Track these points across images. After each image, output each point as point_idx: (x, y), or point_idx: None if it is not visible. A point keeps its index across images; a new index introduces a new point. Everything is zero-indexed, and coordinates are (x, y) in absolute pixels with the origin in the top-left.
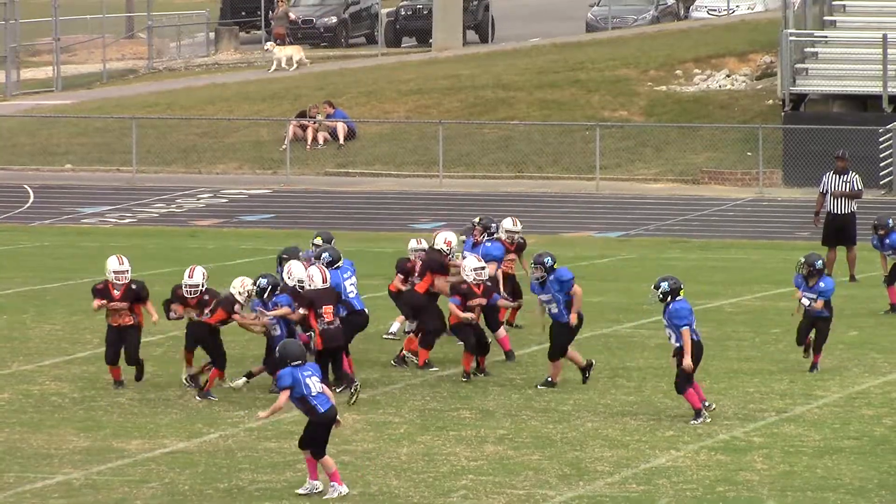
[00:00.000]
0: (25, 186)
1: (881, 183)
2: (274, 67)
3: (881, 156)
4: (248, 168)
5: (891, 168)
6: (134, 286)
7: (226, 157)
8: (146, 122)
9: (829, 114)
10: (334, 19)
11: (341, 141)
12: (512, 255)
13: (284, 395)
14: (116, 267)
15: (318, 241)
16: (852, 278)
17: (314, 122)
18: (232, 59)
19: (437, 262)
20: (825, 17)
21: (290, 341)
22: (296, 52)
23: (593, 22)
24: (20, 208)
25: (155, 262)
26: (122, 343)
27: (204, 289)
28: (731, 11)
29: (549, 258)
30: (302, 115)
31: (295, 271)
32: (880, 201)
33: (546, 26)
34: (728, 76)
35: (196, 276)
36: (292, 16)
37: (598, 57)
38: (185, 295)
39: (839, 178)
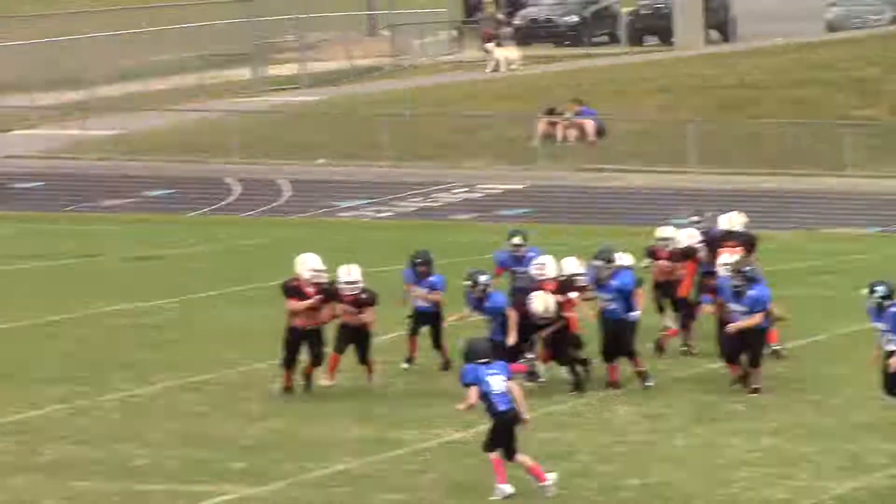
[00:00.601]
0: (280, 180)
1: None
2: (491, 68)
3: None
4: (501, 164)
5: None
6: (365, 295)
7: (478, 153)
8: (398, 118)
9: None
10: (576, 18)
11: (591, 138)
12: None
13: (473, 391)
14: (317, 265)
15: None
16: None
17: (564, 119)
18: (477, 56)
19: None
20: None
21: (478, 339)
22: (513, 52)
23: (834, 21)
24: (277, 202)
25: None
26: (351, 342)
27: (361, 287)
28: None
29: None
30: (550, 111)
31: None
32: None
33: (784, 26)
34: None
35: (354, 273)
36: (500, 16)
37: (840, 56)
38: (345, 293)
39: None
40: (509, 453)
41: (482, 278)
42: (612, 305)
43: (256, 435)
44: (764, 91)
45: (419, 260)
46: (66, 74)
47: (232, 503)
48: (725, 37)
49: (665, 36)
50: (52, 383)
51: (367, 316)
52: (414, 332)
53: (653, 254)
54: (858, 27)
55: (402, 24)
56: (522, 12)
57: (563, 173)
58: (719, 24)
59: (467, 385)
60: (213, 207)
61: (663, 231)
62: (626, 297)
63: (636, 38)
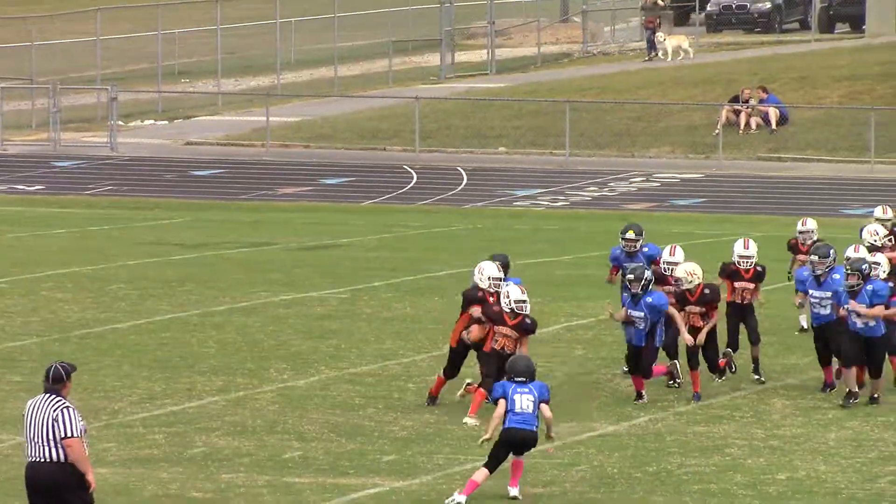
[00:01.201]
0: (459, 169)
1: None
2: (661, 56)
3: None
4: (681, 152)
5: None
6: (528, 321)
7: (658, 142)
8: (580, 106)
9: None
10: (768, 5)
11: (773, 126)
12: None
13: (501, 404)
14: (495, 273)
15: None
16: None
17: (747, 107)
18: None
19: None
20: None
21: (521, 356)
22: (683, 41)
23: None
24: (454, 190)
25: (587, 245)
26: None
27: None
28: None
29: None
30: (734, 99)
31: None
32: None
33: None
34: None
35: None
36: (661, 2)
37: None
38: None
39: None
40: (490, 466)
41: (647, 273)
42: (825, 308)
43: (410, 427)
44: None
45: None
46: (252, 60)
47: (380, 496)
48: None
49: (856, 23)
50: (213, 374)
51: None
52: None
53: (794, 248)
54: None
55: (595, 9)
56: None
57: (743, 162)
58: None
59: (495, 400)
60: (390, 196)
61: (805, 224)
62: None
63: (827, 26)
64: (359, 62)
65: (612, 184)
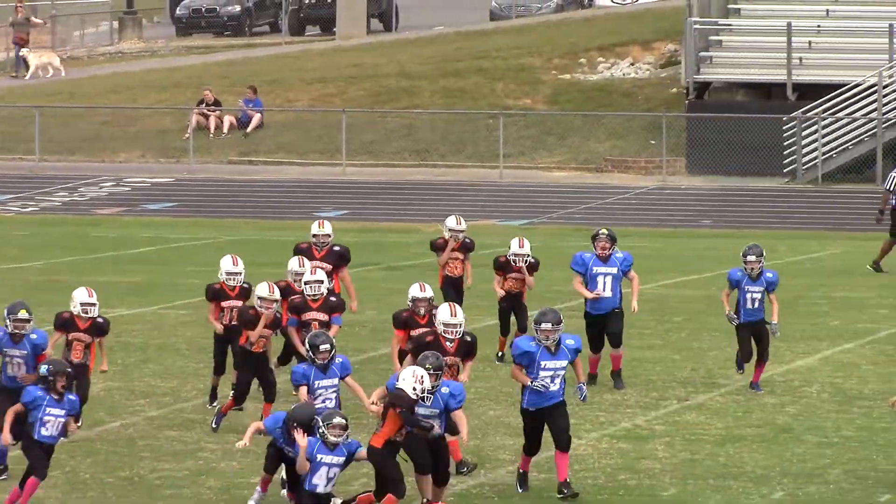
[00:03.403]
0: None
1: (784, 171)
2: (29, 74)
3: (784, 144)
4: (152, 156)
5: (794, 156)
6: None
7: (130, 146)
8: (49, 111)
9: (733, 102)
10: (238, 8)
11: (250, 128)
12: (457, 254)
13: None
14: (231, 268)
15: None
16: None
17: (215, 110)
18: (136, 47)
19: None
20: (729, 6)
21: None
22: (53, 57)
23: (497, 10)
24: None
25: (56, 250)
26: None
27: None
28: (635, 0)
29: None
30: (200, 102)
31: None
32: (783, 189)
33: (450, 15)
34: (632, 64)
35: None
36: (36, 20)
37: (502, 45)
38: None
39: None
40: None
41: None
42: None
43: None
44: (421, 81)
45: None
46: None
47: None
48: (388, 27)
49: (327, 26)
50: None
51: None
52: None
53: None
54: (521, 15)
55: (62, 14)
56: (185, 2)
57: (214, 165)
58: (382, 13)
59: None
60: None
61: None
62: None
63: (298, 28)
64: None
65: (82, 189)
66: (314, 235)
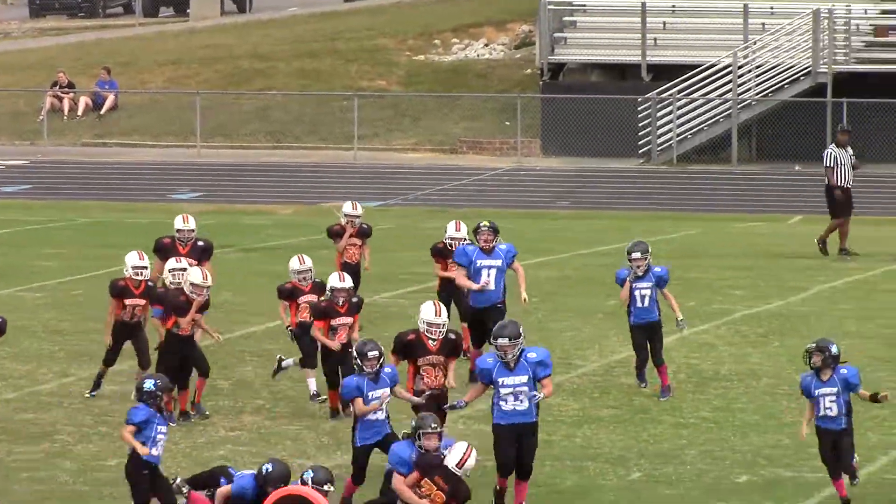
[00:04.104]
0: None
1: (640, 152)
2: None
3: (640, 125)
4: (6, 139)
5: (649, 137)
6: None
7: None
8: None
9: (588, 83)
10: None
11: (104, 110)
12: (354, 240)
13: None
14: (136, 262)
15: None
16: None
17: (69, 92)
18: None
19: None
20: None
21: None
22: None
23: None
24: None
25: None
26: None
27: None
28: None
29: None
30: (56, 84)
31: None
32: (638, 170)
33: None
34: (486, 45)
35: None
36: None
37: (356, 26)
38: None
39: (845, 151)
40: None
41: None
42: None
43: None
44: (276, 62)
45: None
46: None
47: None
48: (242, 8)
49: (181, 7)
50: None
51: None
52: None
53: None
54: None
55: None
56: None
57: (69, 148)
58: None
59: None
60: None
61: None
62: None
63: (152, 10)
64: None
65: None
66: (178, 230)
